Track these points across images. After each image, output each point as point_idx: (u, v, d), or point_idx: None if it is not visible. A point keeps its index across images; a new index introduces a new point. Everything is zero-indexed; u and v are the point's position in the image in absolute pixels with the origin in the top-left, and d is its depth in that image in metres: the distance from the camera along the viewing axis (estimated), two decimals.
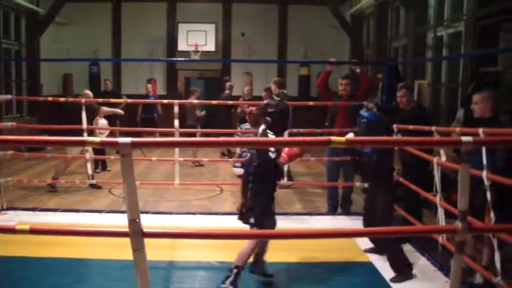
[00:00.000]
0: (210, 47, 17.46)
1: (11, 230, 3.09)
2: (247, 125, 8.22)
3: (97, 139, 2.59)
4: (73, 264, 5.97)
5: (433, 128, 5.81)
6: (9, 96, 10.29)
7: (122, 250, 5.49)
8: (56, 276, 5.61)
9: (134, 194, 2.58)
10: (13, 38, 16.15)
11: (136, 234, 2.64)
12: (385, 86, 8.70)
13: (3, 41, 15.29)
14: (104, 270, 5.87)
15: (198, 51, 17.28)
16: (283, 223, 7.43)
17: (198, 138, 2.75)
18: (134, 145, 2.51)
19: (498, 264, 4.60)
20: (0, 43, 14.68)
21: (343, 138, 2.42)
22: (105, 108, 10.14)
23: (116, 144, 2.52)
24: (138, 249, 2.69)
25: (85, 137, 2.32)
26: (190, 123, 12.65)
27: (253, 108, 8.37)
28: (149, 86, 15.04)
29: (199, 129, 11.94)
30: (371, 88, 8.52)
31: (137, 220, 2.63)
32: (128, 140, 2.48)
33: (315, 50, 17.31)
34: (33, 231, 3.01)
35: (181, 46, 17.51)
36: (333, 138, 2.39)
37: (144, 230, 2.67)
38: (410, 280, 5.54)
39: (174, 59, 17.98)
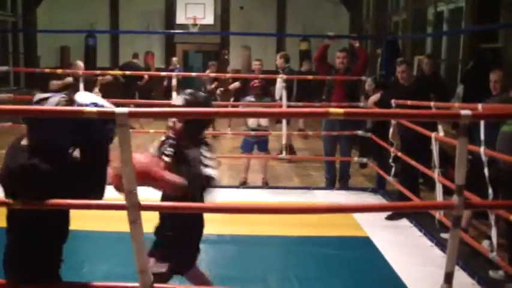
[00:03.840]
0: (209, 20, 17.33)
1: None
2: (251, 98, 8.23)
3: (94, 109, 2.57)
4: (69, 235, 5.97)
5: (432, 104, 5.79)
6: (5, 68, 10.21)
7: (114, 223, 5.56)
8: None
9: (131, 165, 2.57)
10: (9, 10, 16.01)
11: (133, 207, 2.62)
12: (384, 61, 8.63)
13: (0, 13, 15.17)
14: (96, 242, 5.90)
15: (196, 25, 17.16)
16: (281, 197, 7.51)
17: (196, 109, 2.71)
18: (131, 115, 2.48)
19: (494, 240, 4.60)
20: None
21: (341, 110, 2.38)
22: (100, 78, 10.14)
23: (112, 114, 2.49)
24: (135, 221, 2.68)
25: (83, 108, 2.29)
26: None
27: (256, 81, 8.37)
28: (175, 59, 15.32)
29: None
30: (368, 63, 8.49)
31: (134, 191, 2.61)
32: (125, 110, 2.45)
33: (314, 24, 17.18)
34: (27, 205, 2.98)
35: (180, 19, 17.38)
36: (331, 109, 2.35)
37: (141, 202, 2.65)
38: (407, 255, 5.57)
39: (171, 31, 17.86)
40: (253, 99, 8.22)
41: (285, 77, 8.42)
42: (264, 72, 10.20)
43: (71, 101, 2.83)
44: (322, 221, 5.89)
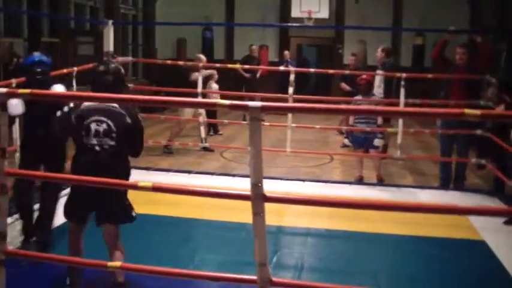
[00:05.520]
0: (324, 14, 17.23)
1: (134, 187, 3.23)
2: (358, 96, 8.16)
3: (227, 102, 2.63)
4: (181, 223, 6.21)
5: None
6: (129, 59, 10.68)
7: (229, 212, 5.73)
8: (165, 233, 5.88)
9: (260, 158, 2.62)
10: (131, 3, 16.73)
11: (258, 198, 2.68)
12: (508, 56, 8.25)
13: (121, 6, 15.87)
14: (211, 230, 6.08)
15: (311, 18, 17.12)
16: (392, 195, 7.42)
17: (319, 105, 2.73)
18: (264, 109, 2.53)
19: None
20: (118, 8, 15.24)
21: (477, 112, 2.32)
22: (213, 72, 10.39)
23: (245, 107, 2.55)
24: (258, 213, 2.73)
25: (216, 100, 2.40)
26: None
27: (364, 76, 8.28)
28: (287, 52, 15.33)
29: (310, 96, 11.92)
30: (491, 59, 8.14)
31: (259, 184, 2.67)
32: (258, 104, 2.51)
33: (431, 18, 16.67)
34: (156, 189, 3.14)
35: (295, 13, 17.40)
36: (466, 110, 2.29)
37: (266, 194, 2.70)
38: None
39: (286, 24, 17.94)
40: (359, 96, 8.13)
41: (404, 75, 8.14)
42: (373, 67, 10.04)
43: None
44: (434, 221, 5.77)
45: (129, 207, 4.27)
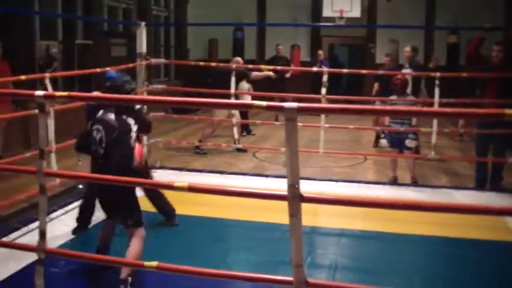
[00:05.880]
0: (356, 13, 17.17)
1: (170, 187, 3.26)
2: (393, 96, 8.07)
3: (263, 103, 2.63)
4: (214, 223, 6.24)
5: None
6: (162, 60, 10.75)
7: (263, 213, 5.73)
8: (198, 233, 5.91)
9: (296, 159, 2.61)
10: (163, 5, 16.86)
11: (295, 199, 2.68)
12: None
13: (154, 7, 16.00)
14: (244, 230, 6.10)
15: (343, 17, 17.06)
16: (427, 195, 7.33)
17: (357, 106, 2.68)
18: (300, 110, 2.52)
19: None
20: (150, 10, 15.36)
21: None
22: (255, 73, 10.37)
23: (281, 108, 2.55)
24: (295, 214, 2.72)
25: (251, 101, 2.41)
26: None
27: (399, 76, 8.19)
28: (321, 52, 15.25)
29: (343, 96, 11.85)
30: None
31: (296, 186, 2.66)
32: (294, 105, 2.50)
33: (465, 16, 16.41)
34: (191, 189, 3.16)
35: (326, 12, 17.37)
36: (507, 110, 2.25)
37: (304, 195, 2.69)
38: None
39: (317, 23, 17.87)
40: (394, 96, 8.04)
41: (438, 74, 8.03)
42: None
43: None
44: (470, 222, 5.70)
45: (134, 210, 4.41)
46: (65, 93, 3.07)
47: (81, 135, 4.75)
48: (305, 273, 2.88)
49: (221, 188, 2.91)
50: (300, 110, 2.52)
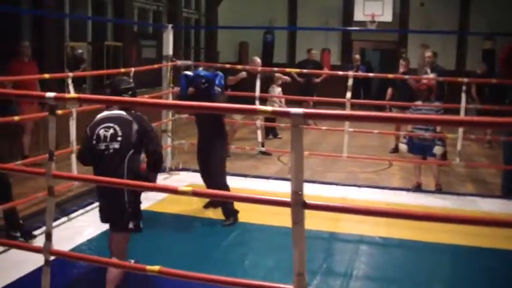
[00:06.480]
0: (387, 17, 17.04)
1: (174, 191, 3.24)
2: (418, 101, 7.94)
3: (269, 108, 2.60)
4: (233, 227, 6.21)
5: None
6: (189, 62, 10.76)
7: (283, 217, 5.66)
8: (216, 237, 5.90)
9: (301, 165, 2.56)
10: (193, 8, 16.94)
11: (297, 206, 2.63)
12: None
13: (184, 10, 16.08)
14: (263, 235, 6.08)
15: (374, 22, 16.93)
16: (451, 203, 7.20)
17: (375, 114, 2.60)
18: (306, 116, 2.49)
19: None
20: (181, 12, 15.43)
21: None
22: (279, 75, 10.30)
23: (287, 114, 2.51)
24: (298, 222, 2.67)
25: (257, 106, 2.37)
26: None
27: (425, 81, 8.06)
28: (358, 57, 14.98)
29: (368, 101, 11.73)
30: None
31: (300, 193, 2.61)
32: (300, 110, 2.46)
33: (500, 21, 16.10)
34: (196, 194, 3.15)
35: (358, 16, 17.28)
36: None
37: (307, 201, 2.64)
38: None
39: (348, 28, 17.77)
40: (419, 102, 7.90)
41: (466, 80, 7.91)
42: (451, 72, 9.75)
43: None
44: (496, 231, 5.51)
45: (133, 217, 4.25)
46: (76, 95, 3.08)
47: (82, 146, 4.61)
48: (306, 282, 2.82)
49: (224, 193, 2.87)
50: (307, 116, 2.48)
